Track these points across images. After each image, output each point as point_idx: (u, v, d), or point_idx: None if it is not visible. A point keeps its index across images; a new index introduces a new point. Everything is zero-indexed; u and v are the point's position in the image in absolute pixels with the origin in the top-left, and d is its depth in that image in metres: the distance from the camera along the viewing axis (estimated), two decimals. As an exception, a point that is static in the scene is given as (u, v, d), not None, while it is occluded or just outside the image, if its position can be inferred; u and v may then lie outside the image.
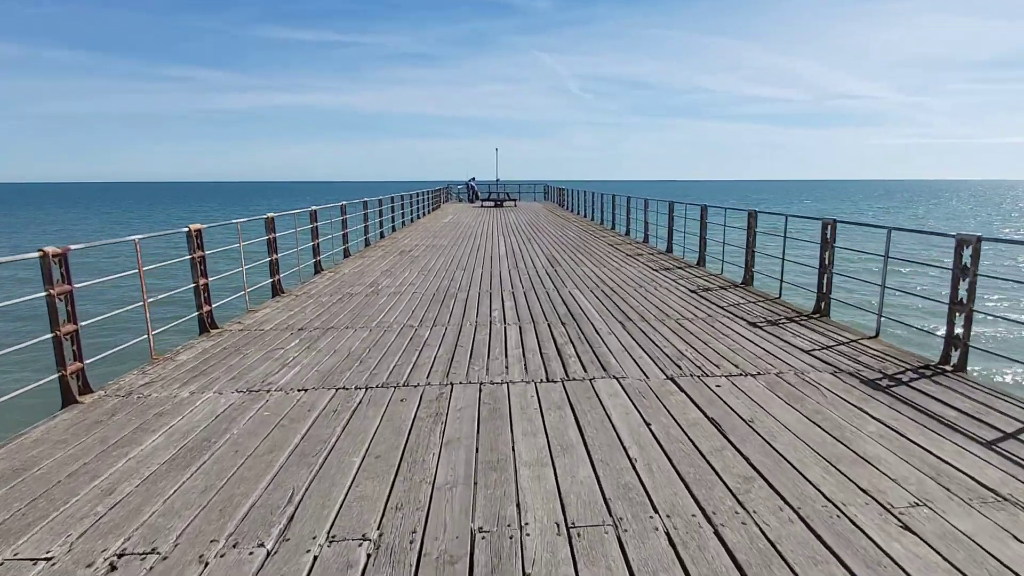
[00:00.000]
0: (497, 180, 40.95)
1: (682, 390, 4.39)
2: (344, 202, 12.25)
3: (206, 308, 6.37)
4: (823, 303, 6.89)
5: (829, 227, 6.89)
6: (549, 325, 6.41)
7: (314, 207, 10.01)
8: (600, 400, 4.20)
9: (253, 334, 6.19)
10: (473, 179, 38.11)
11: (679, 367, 4.93)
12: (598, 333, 6.06)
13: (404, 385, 4.54)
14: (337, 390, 4.45)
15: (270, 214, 8.33)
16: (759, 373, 4.77)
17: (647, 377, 4.68)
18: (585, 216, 23.50)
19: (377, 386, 4.52)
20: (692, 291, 8.33)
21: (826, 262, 6.87)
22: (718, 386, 4.46)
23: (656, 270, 10.16)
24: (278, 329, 6.37)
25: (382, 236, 15.90)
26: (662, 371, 4.82)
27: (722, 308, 7.27)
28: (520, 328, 6.27)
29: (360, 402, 4.20)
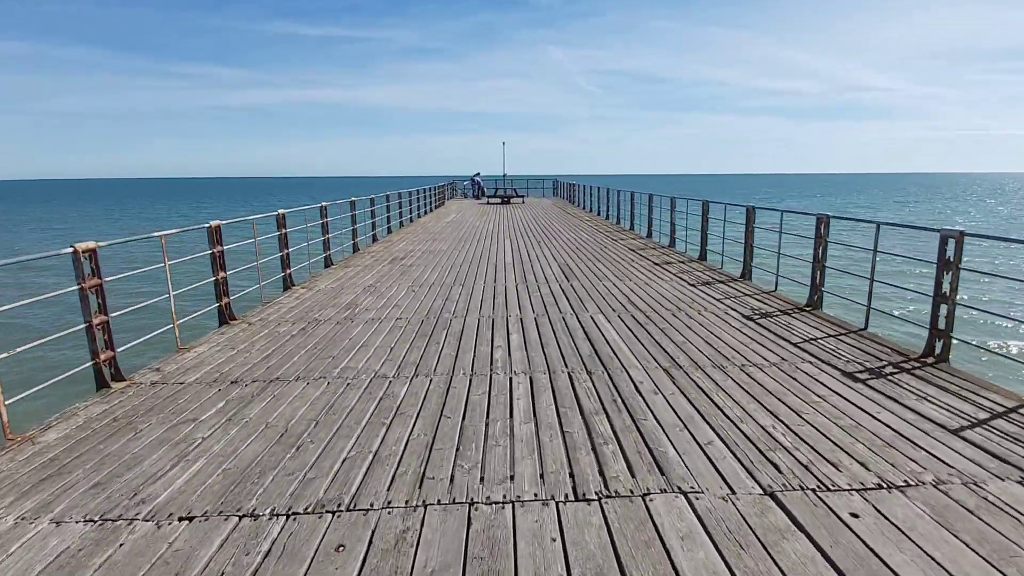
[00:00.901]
0: (504, 175, 39.24)
1: (798, 526, 2.71)
2: (324, 203, 10.61)
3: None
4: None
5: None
6: (570, 374, 4.74)
7: (282, 210, 8.37)
8: (665, 546, 2.54)
9: (167, 390, 4.57)
10: (478, 174, 36.43)
11: (776, 467, 3.25)
12: (639, 391, 4.38)
13: (350, 508, 2.89)
14: (241, 518, 2.80)
15: (214, 222, 6.69)
16: (913, 484, 3.08)
17: (732, 491, 2.99)
18: (599, 214, 21.76)
19: (306, 511, 2.87)
20: (748, 317, 6.62)
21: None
22: (854, 514, 2.78)
23: (694, 285, 8.46)
24: (204, 382, 4.73)
25: (374, 240, 14.27)
26: (751, 476, 3.15)
27: (799, 348, 5.56)
28: (531, 380, 4.61)
29: (270, 550, 2.57)
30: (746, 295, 7.78)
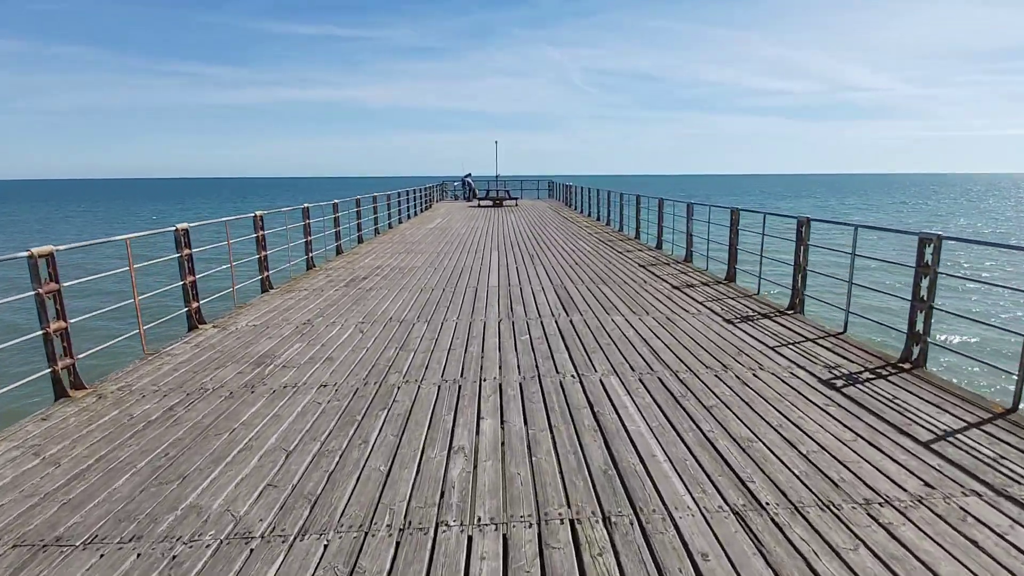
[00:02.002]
0: (497, 176, 37.20)
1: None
2: (259, 212, 8.52)
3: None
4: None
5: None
6: (574, 526, 2.72)
7: (182, 224, 6.30)
8: None
9: None
10: (469, 175, 34.38)
11: None
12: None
13: None
14: None
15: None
16: None
17: None
18: (598, 219, 19.74)
19: None
20: (828, 383, 4.59)
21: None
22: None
23: (734, 322, 6.43)
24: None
25: (338, 252, 12.18)
26: None
27: (967, 472, 3.55)
28: (505, 546, 2.59)
29: None
30: (806, 336, 5.78)
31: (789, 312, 6.88)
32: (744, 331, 6.07)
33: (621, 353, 5.32)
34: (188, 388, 4.62)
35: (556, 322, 6.42)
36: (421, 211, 24.64)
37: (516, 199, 29.91)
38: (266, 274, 8.42)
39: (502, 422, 3.90)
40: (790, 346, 5.55)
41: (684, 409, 4.07)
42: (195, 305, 6.45)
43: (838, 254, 7.10)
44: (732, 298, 7.66)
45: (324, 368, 5.00)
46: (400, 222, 19.41)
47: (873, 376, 4.71)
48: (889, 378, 4.66)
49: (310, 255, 10.25)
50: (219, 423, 3.95)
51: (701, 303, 7.33)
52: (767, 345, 5.57)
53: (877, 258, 7.02)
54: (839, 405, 4.13)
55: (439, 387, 4.53)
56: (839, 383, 4.56)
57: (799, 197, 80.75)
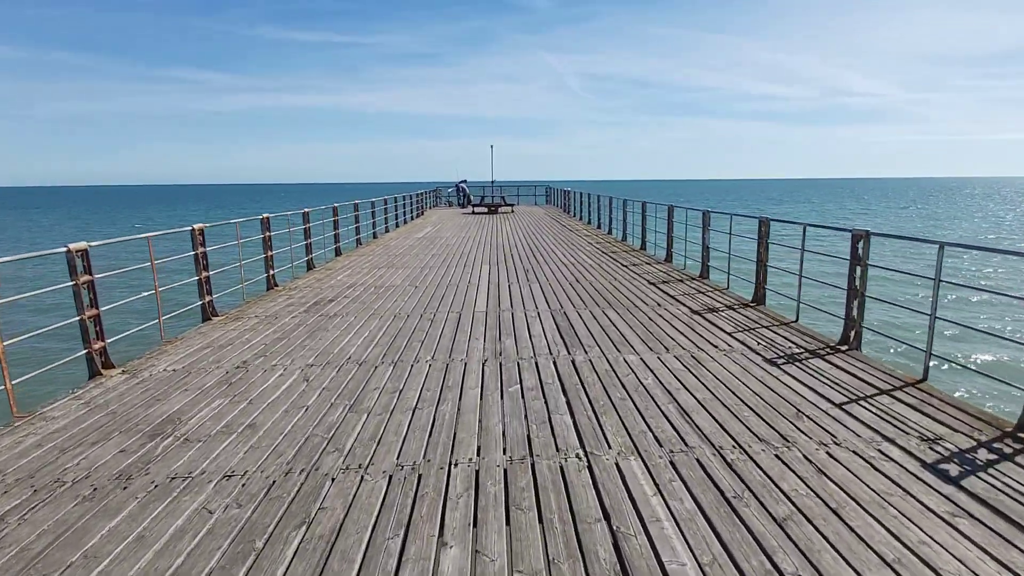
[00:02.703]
0: (492, 181, 35.98)
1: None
2: (197, 225, 7.20)
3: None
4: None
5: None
6: None
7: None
8: None
9: None
10: (464, 181, 33.12)
11: None
12: None
13: None
14: None
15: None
16: None
17: None
18: (599, 227, 18.45)
19: None
20: (942, 472, 3.28)
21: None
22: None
23: (777, 362, 5.10)
24: None
25: (309, 267, 10.85)
26: None
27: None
28: None
29: None
30: (878, 387, 4.43)
31: (843, 348, 5.56)
32: (793, 376, 4.75)
33: (641, 414, 4.00)
34: (40, 480, 3.30)
35: (555, 363, 5.11)
36: (412, 219, 23.36)
37: (512, 206, 28.67)
38: (208, 299, 7.08)
39: (475, 552, 2.59)
40: (862, 402, 4.23)
41: (745, 523, 2.75)
42: (98, 345, 5.11)
43: (920, 278, 6.66)
44: (766, 327, 6.36)
45: (238, 444, 3.67)
46: (387, 231, 18.10)
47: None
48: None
49: (271, 272, 8.92)
50: (51, 555, 2.62)
51: (730, 334, 6.02)
52: (832, 401, 4.25)
53: (823, 253, 7.05)
54: (983, 524, 2.81)
55: (390, 479, 3.21)
56: (953, 471, 3.24)
57: (806, 203, 79.66)
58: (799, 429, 3.77)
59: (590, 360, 5.21)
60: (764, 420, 3.91)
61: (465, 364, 5.13)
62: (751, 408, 4.10)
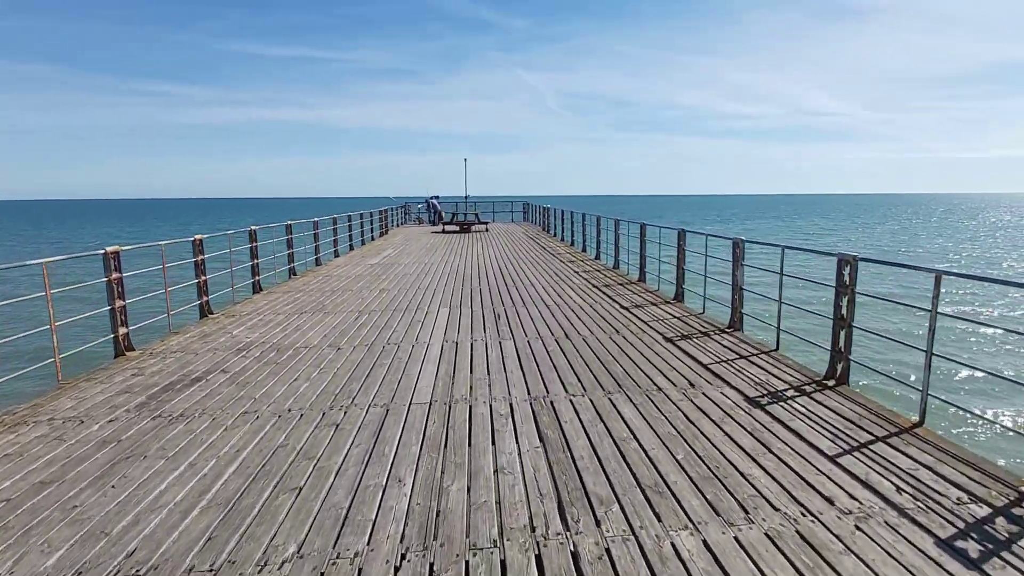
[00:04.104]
0: (466, 197, 33.50)
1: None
2: (113, 248, 4.49)
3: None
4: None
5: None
6: None
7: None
8: None
9: None
10: (436, 197, 30.57)
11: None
12: None
13: None
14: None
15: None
16: None
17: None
18: (584, 250, 16.03)
19: None
20: None
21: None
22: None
23: (931, 529, 2.66)
24: None
25: (203, 314, 8.06)
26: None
27: None
28: None
29: None
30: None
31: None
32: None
33: None
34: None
35: (543, 538, 2.58)
36: (374, 238, 20.68)
37: (487, 223, 26.19)
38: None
39: None
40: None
41: None
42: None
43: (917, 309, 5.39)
44: (884, 438, 3.89)
45: None
46: (336, 255, 15.38)
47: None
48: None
49: (121, 333, 6.15)
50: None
51: (841, 467, 3.52)
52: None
53: (804, 278, 5.98)
54: None
55: None
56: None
57: (775, 219, 78.95)
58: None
59: (602, 531, 2.70)
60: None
61: (362, 571, 2.54)
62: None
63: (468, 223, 24.18)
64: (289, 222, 11.65)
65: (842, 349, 5.01)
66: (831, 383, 4.95)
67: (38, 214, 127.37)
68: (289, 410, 4.40)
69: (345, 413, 4.34)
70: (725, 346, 6.12)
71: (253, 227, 9.75)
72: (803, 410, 4.35)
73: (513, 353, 5.91)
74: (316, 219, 13.45)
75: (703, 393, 4.67)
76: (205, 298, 7.92)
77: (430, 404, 4.50)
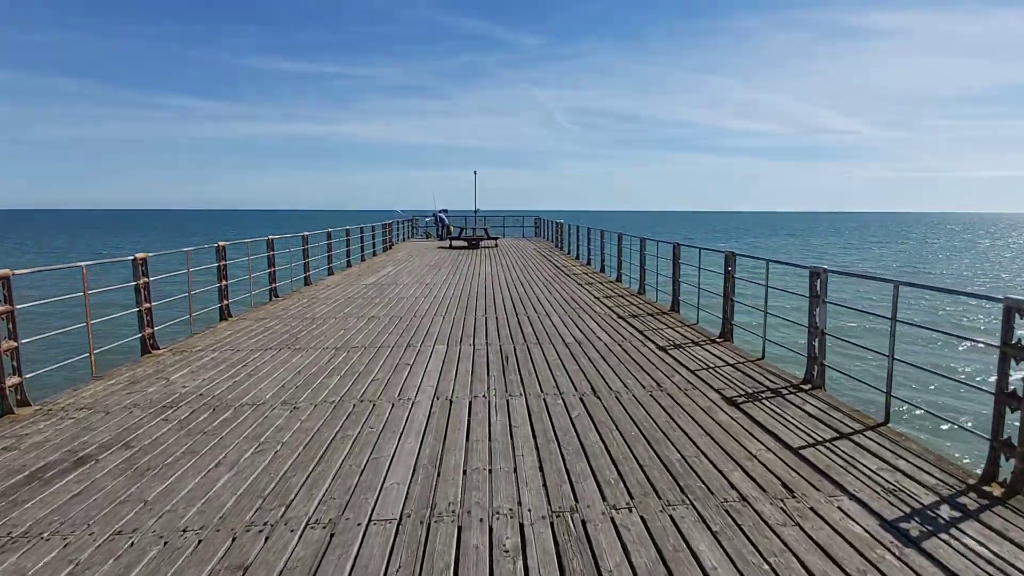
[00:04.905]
0: (476, 211, 32.15)
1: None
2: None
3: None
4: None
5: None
6: None
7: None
8: None
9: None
10: (444, 211, 29.26)
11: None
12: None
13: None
14: None
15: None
16: None
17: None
18: (602, 270, 14.50)
19: None
20: None
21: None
22: None
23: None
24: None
25: (145, 350, 6.56)
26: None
27: None
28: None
29: None
30: None
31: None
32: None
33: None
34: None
35: None
36: (375, 254, 19.32)
37: (496, 239, 24.77)
38: None
39: None
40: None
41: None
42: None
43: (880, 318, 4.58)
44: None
45: None
46: (330, 273, 13.96)
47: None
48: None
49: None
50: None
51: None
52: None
53: (784, 289, 6.33)
54: None
55: None
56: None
57: (790, 236, 76.83)
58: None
59: None
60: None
61: None
62: None
63: (477, 238, 22.79)
64: (270, 236, 10.24)
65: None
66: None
67: (41, 223, 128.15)
68: (184, 531, 2.89)
69: (266, 540, 2.82)
70: (813, 415, 4.55)
71: (222, 243, 8.32)
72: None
73: (525, 420, 4.38)
74: (305, 233, 12.05)
75: (813, 511, 3.10)
76: (148, 330, 6.48)
77: (399, 523, 2.98)
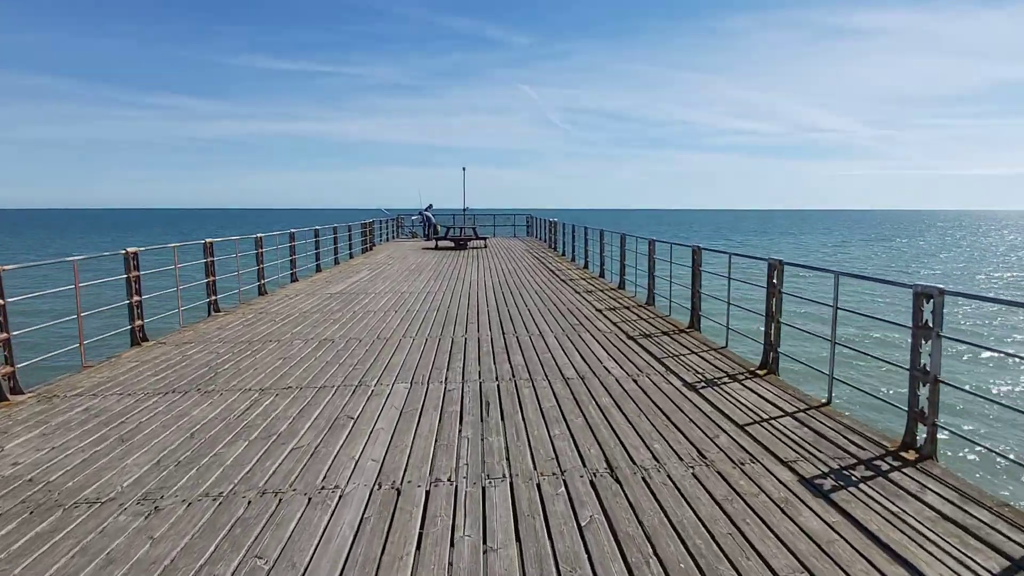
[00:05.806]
0: (465, 209, 30.50)
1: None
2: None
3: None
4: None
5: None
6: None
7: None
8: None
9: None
10: (430, 207, 27.59)
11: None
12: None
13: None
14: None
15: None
16: None
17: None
18: (602, 275, 12.91)
19: None
20: None
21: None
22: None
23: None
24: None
25: (2, 396, 4.99)
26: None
27: None
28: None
29: None
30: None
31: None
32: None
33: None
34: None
35: None
36: (353, 256, 17.65)
37: (485, 239, 23.16)
38: None
39: None
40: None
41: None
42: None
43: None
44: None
45: None
46: (294, 279, 12.27)
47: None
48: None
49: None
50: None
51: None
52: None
53: (746, 281, 6.70)
54: None
55: None
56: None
57: (786, 236, 75.68)
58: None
59: None
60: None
61: None
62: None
63: (464, 238, 21.17)
64: (208, 240, 8.53)
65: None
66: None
67: (28, 222, 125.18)
68: None
69: None
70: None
71: (132, 248, 6.61)
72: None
73: (509, 530, 2.78)
74: (259, 235, 10.37)
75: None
76: (7, 369, 4.80)
77: None
